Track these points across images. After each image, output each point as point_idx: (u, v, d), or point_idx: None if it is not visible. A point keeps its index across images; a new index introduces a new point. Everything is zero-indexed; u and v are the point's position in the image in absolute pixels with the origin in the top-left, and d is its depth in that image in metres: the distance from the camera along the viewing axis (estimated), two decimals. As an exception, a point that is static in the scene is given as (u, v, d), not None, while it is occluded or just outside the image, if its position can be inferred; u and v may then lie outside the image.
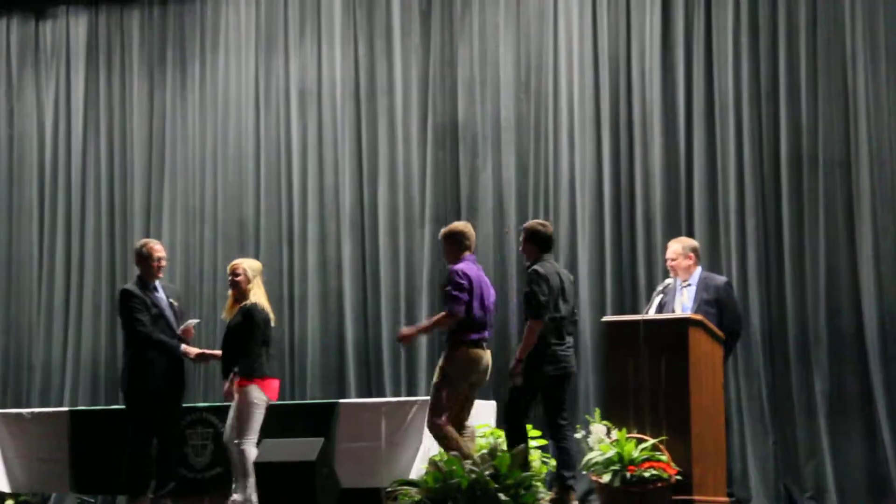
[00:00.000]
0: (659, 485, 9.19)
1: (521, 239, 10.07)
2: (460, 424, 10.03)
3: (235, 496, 10.41)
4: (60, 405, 13.90)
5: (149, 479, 10.73)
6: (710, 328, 9.79)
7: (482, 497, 9.59)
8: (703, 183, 12.34)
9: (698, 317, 9.79)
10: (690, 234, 11.69)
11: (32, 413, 12.44)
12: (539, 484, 10.17)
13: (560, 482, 9.78)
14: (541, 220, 10.37)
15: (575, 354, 10.13)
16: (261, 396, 10.41)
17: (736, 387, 11.84)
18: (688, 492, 9.28)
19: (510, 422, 9.88)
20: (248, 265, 10.70)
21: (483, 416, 11.31)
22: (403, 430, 10.82)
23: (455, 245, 10.03)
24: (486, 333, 10.01)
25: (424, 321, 10.20)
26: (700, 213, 12.29)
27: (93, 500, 12.95)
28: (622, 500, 9.08)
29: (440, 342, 12.98)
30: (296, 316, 13.66)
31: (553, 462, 10.86)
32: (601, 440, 9.49)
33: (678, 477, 9.24)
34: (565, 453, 9.81)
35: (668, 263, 10.69)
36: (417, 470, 10.46)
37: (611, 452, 9.34)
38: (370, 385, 13.21)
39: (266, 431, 10.48)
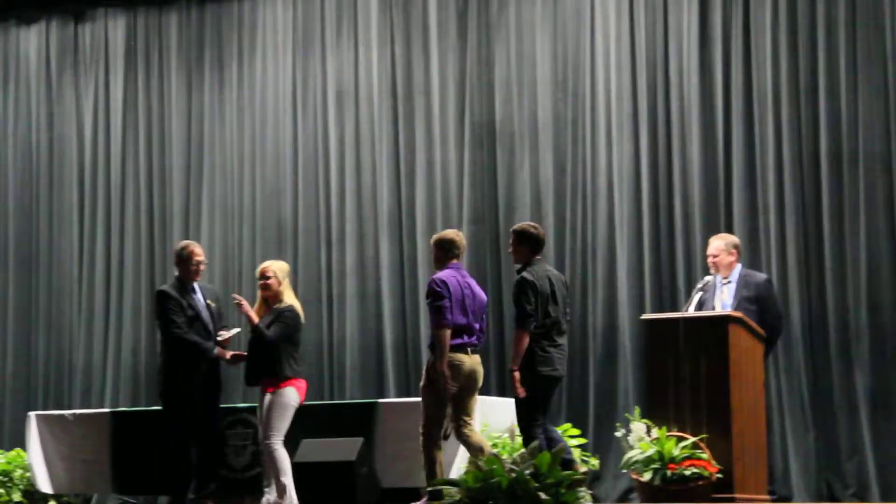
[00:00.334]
0: (700, 483, 9.16)
1: (510, 241, 10.01)
2: (460, 430, 9.94)
3: (269, 497, 10.42)
4: (101, 406, 13.96)
5: (189, 480, 10.77)
6: (751, 325, 9.75)
7: (522, 496, 9.57)
8: (741, 180, 12.29)
9: (738, 314, 9.75)
10: (729, 232, 11.64)
11: (74, 414, 12.49)
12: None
13: None
14: (531, 223, 10.34)
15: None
16: (295, 397, 10.44)
17: (777, 384, 11.79)
18: (729, 490, 9.24)
19: (524, 432, 9.82)
20: (278, 267, 10.70)
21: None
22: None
23: (444, 252, 10.02)
24: (473, 338, 9.93)
25: (437, 358, 9.99)
26: (739, 211, 12.24)
27: (134, 501, 13.00)
28: (663, 498, 9.05)
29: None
30: (334, 316, 13.68)
31: (594, 460, 10.86)
32: (641, 438, 9.46)
33: (719, 475, 9.20)
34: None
35: (710, 260, 10.65)
36: (457, 469, 10.44)
37: (651, 451, 9.32)
38: (409, 385, 13.21)
39: (306, 431, 10.51)
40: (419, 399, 10.87)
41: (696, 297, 10.29)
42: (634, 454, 9.44)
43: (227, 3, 14.57)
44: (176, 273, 10.99)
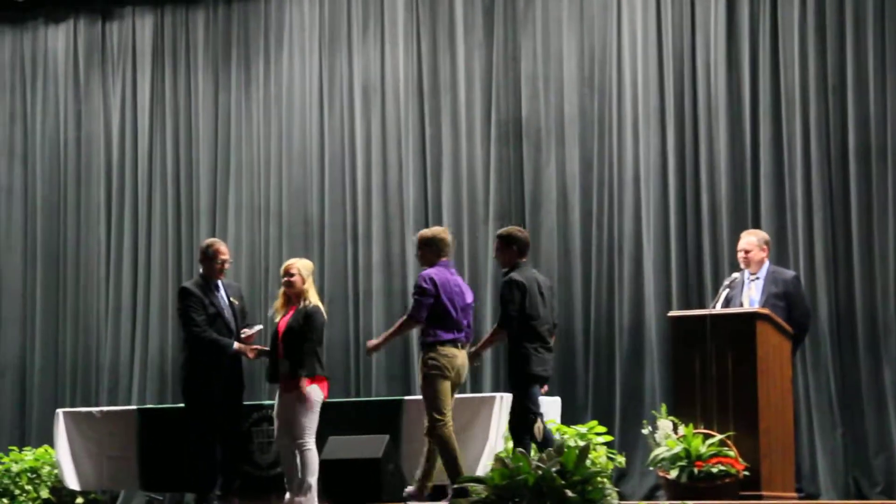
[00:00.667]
0: (727, 480, 9.14)
1: (495, 245, 10.17)
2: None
3: (299, 497, 10.43)
4: (128, 404, 13.99)
5: (213, 477, 10.79)
6: (778, 322, 9.72)
7: (549, 493, 9.55)
8: (769, 177, 12.25)
9: (766, 311, 9.72)
10: (757, 228, 11.59)
11: (101, 412, 12.51)
12: (606, 480, 10.13)
13: None
14: (517, 227, 10.56)
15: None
16: (321, 395, 10.48)
17: (804, 380, 11.74)
18: (756, 487, 9.22)
19: (516, 434, 9.94)
20: (302, 265, 10.72)
21: (549, 412, 11.28)
22: (469, 426, 10.79)
23: (435, 251, 10.23)
24: (462, 335, 10.18)
25: (390, 329, 10.36)
26: (766, 208, 12.20)
27: (161, 498, 13.03)
28: (689, 495, 9.02)
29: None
30: (360, 313, 13.68)
31: (620, 458, 10.83)
32: (668, 436, 9.44)
33: (746, 472, 9.18)
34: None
35: (742, 255, 10.63)
36: (484, 466, 10.44)
37: (678, 448, 9.30)
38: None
39: (332, 428, 10.53)
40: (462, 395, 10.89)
41: (723, 294, 10.26)
42: (661, 451, 9.41)
43: (254, 1, 14.58)
44: (200, 270, 11.03)
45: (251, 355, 10.90)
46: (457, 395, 11.18)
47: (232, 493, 10.88)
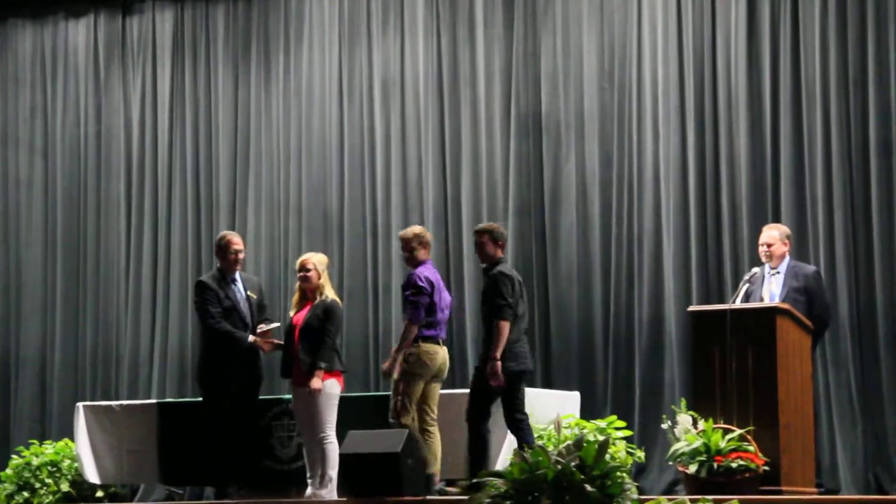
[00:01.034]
0: (746, 475, 9.12)
1: (476, 241, 10.32)
2: (425, 419, 10.41)
3: (320, 490, 10.47)
4: (148, 397, 14.02)
5: (228, 470, 10.83)
6: (798, 317, 9.70)
7: (568, 488, 9.55)
8: (789, 173, 12.23)
9: (786, 306, 9.70)
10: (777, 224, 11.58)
11: (121, 405, 12.54)
12: (625, 475, 10.12)
13: None
14: (493, 222, 10.83)
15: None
16: (338, 388, 10.55)
17: (824, 376, 11.72)
18: (776, 482, 9.20)
19: (472, 423, 10.06)
20: (318, 259, 10.78)
21: (568, 406, 11.28)
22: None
23: (422, 249, 10.49)
24: (443, 332, 10.50)
25: (397, 345, 10.43)
26: (787, 203, 12.18)
27: (181, 492, 13.05)
28: (709, 490, 9.00)
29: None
30: (380, 307, 13.69)
31: (640, 453, 10.82)
32: (687, 430, 9.43)
33: (766, 467, 9.17)
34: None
35: (764, 249, 10.64)
36: (503, 461, 10.44)
37: (697, 443, 9.28)
38: (454, 376, 13.17)
39: (352, 422, 10.55)
40: (463, 391, 10.94)
41: (742, 289, 10.25)
42: (680, 446, 9.40)
43: (274, -4, 14.63)
44: (217, 264, 11.08)
45: (266, 349, 10.94)
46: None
47: (242, 487, 10.93)
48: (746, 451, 9.17)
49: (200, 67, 14.85)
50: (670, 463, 9.78)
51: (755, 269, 10.54)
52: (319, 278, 10.70)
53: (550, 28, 13.31)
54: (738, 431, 9.24)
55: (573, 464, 9.49)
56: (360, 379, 13.36)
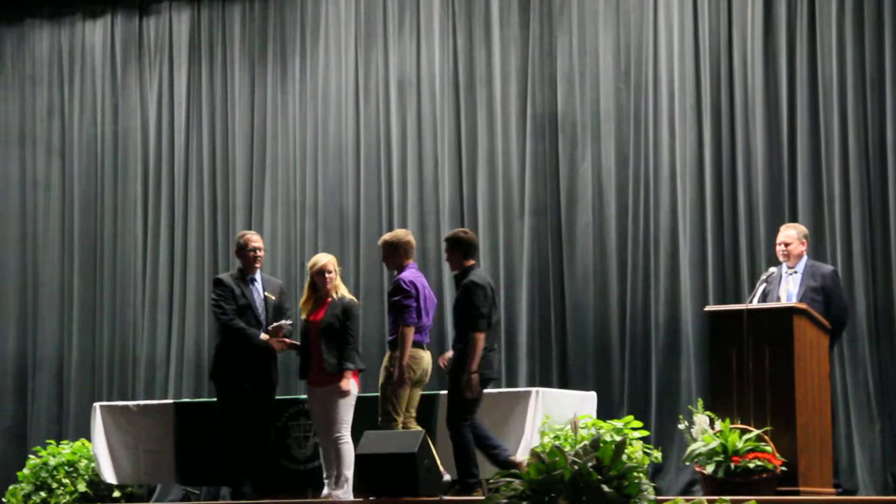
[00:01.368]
0: (764, 476, 9.10)
1: (446, 249, 10.36)
2: (408, 423, 10.47)
3: (336, 491, 10.47)
4: (165, 397, 14.04)
5: (245, 469, 10.84)
6: (816, 317, 9.67)
7: (585, 488, 9.53)
8: (806, 172, 12.20)
9: (803, 305, 9.68)
10: (794, 223, 11.55)
11: (138, 405, 12.57)
12: (642, 475, 10.11)
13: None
14: (462, 228, 10.91)
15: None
16: (356, 388, 10.58)
17: (842, 376, 11.69)
18: (793, 483, 9.18)
19: (454, 428, 10.10)
20: (333, 260, 10.79)
21: (585, 407, 11.27)
22: (505, 421, 10.80)
23: (399, 253, 10.47)
24: (426, 337, 10.51)
25: (400, 354, 10.31)
26: (804, 202, 12.15)
27: (197, 492, 13.06)
28: (726, 490, 8.98)
29: (537, 333, 12.99)
30: (396, 307, 13.69)
31: (656, 453, 10.80)
32: (704, 431, 9.41)
33: (783, 468, 9.14)
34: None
35: (781, 248, 10.63)
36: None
37: (714, 443, 9.26)
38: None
39: (367, 423, 10.56)
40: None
41: (759, 289, 10.23)
42: (697, 447, 9.38)
43: (290, -3, 14.64)
44: (238, 263, 11.12)
45: (279, 347, 10.94)
46: (492, 390, 11.23)
47: (249, 487, 10.95)
48: (764, 451, 9.15)
49: (217, 68, 14.86)
50: (687, 463, 9.75)
51: (772, 269, 10.52)
52: (334, 278, 10.74)
53: (566, 28, 13.29)
54: (756, 432, 9.21)
55: (590, 464, 9.48)
56: (376, 379, 13.31)
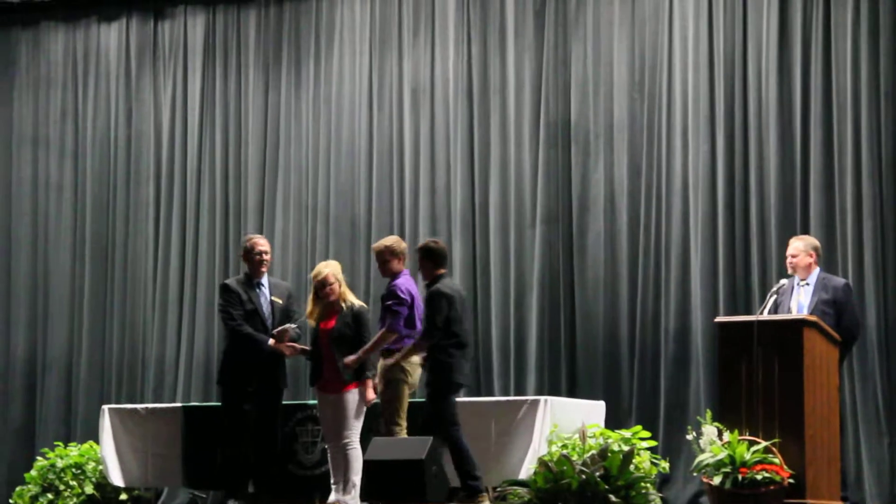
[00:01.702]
0: (771, 488, 9.08)
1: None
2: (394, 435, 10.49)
3: (344, 497, 10.47)
4: (173, 401, 14.05)
5: (243, 474, 10.84)
6: (826, 329, 9.65)
7: (592, 498, 9.54)
8: (819, 184, 12.18)
9: (813, 318, 9.66)
10: (806, 235, 11.52)
11: (146, 409, 12.56)
12: (649, 485, 10.10)
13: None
14: (433, 238, 10.98)
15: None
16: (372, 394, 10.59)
17: (851, 389, 11.67)
18: (801, 495, 9.16)
19: (446, 436, 10.13)
20: (333, 270, 10.76)
21: (593, 416, 11.25)
22: (512, 429, 10.78)
23: (399, 259, 10.55)
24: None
25: (368, 344, 10.47)
26: (816, 215, 12.13)
27: (204, 496, 13.07)
28: (733, 502, 8.98)
29: (547, 342, 12.97)
30: (406, 314, 13.68)
31: (664, 463, 10.78)
32: (712, 442, 9.39)
33: (791, 480, 9.12)
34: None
35: (789, 260, 10.61)
36: (527, 470, 10.41)
37: (722, 454, 9.25)
38: (479, 384, 13.19)
39: (375, 430, 10.57)
40: (488, 399, 10.93)
41: (770, 301, 10.21)
42: (705, 458, 9.37)
43: (306, 2, 14.62)
44: (245, 268, 11.11)
45: (287, 353, 10.95)
46: (500, 398, 11.21)
47: (261, 493, 10.95)
48: (771, 463, 9.13)
49: (231, 72, 14.88)
50: (695, 474, 9.74)
51: (783, 281, 10.50)
52: (340, 287, 10.72)
53: (581, 37, 13.29)
54: (764, 443, 9.20)
55: (598, 473, 9.49)
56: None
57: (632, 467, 9.91)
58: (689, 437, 9.74)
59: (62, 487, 12.45)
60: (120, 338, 14.88)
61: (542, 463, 9.97)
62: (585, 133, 13.17)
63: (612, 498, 9.48)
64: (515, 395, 12.60)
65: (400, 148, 13.96)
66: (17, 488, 12.81)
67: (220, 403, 11.50)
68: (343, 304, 10.66)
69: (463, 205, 13.58)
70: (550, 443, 10.53)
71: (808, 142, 12.28)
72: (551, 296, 13.08)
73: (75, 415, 14.82)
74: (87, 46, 15.53)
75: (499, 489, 10.36)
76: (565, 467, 9.60)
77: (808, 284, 10.51)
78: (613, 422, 11.68)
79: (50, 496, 12.44)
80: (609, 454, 9.84)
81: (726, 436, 9.34)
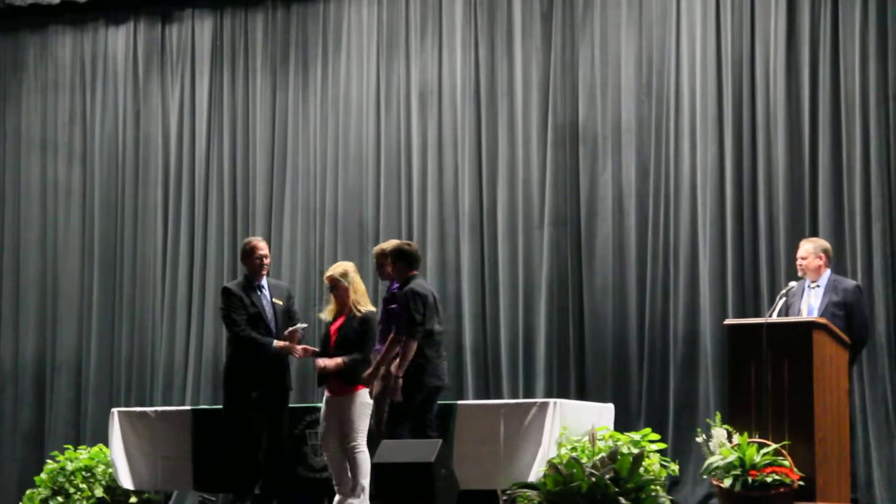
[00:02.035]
0: (781, 490, 9.09)
1: (388, 262, 10.50)
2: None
3: (352, 500, 10.47)
4: (183, 404, 14.06)
5: (250, 477, 10.85)
6: (835, 332, 9.65)
7: (602, 500, 9.55)
8: (827, 186, 12.17)
9: (822, 320, 9.66)
10: (814, 237, 11.52)
11: (156, 411, 12.58)
12: (659, 488, 10.10)
13: None
14: (405, 241, 11.01)
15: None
16: (370, 399, 10.59)
17: (860, 391, 11.66)
18: (811, 497, 9.16)
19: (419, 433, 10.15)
20: (342, 270, 10.77)
21: (602, 419, 11.25)
22: (522, 432, 10.78)
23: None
24: None
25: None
26: (824, 217, 12.12)
27: (214, 499, 13.08)
28: (743, 504, 9.00)
29: (555, 344, 12.98)
30: (416, 316, 13.68)
31: (673, 466, 10.79)
32: (722, 444, 9.40)
33: (801, 482, 9.13)
34: None
35: (799, 262, 10.62)
36: (536, 473, 10.42)
37: (732, 457, 9.25)
38: (488, 387, 13.20)
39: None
40: (497, 401, 10.92)
41: (779, 303, 10.21)
42: (715, 460, 9.37)
43: (313, 5, 14.62)
44: (245, 270, 11.11)
45: (299, 354, 10.95)
46: (509, 401, 11.21)
47: (270, 496, 10.95)
48: (781, 465, 9.14)
49: (239, 75, 14.89)
50: (704, 476, 9.74)
51: (792, 283, 10.50)
52: (349, 288, 10.71)
53: (588, 39, 13.29)
54: (774, 446, 9.20)
55: (608, 476, 9.49)
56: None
57: (642, 470, 9.92)
58: (699, 439, 9.74)
59: (72, 490, 12.46)
60: (129, 340, 14.90)
61: (551, 466, 9.97)
62: (593, 135, 13.17)
63: (623, 500, 9.49)
64: (524, 397, 12.60)
65: (408, 151, 13.97)
66: (28, 491, 12.82)
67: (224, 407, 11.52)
68: (355, 307, 10.67)
69: (471, 207, 13.58)
70: (560, 445, 10.53)
71: (817, 143, 12.27)
72: (559, 298, 13.08)
73: (84, 417, 14.84)
74: (94, 50, 15.54)
75: (508, 492, 10.37)
76: (575, 470, 9.61)
77: (818, 286, 10.51)
78: (622, 424, 11.68)
79: (60, 499, 12.45)
80: (619, 457, 9.84)
81: (736, 438, 9.34)
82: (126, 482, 12.31)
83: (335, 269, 10.85)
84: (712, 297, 12.42)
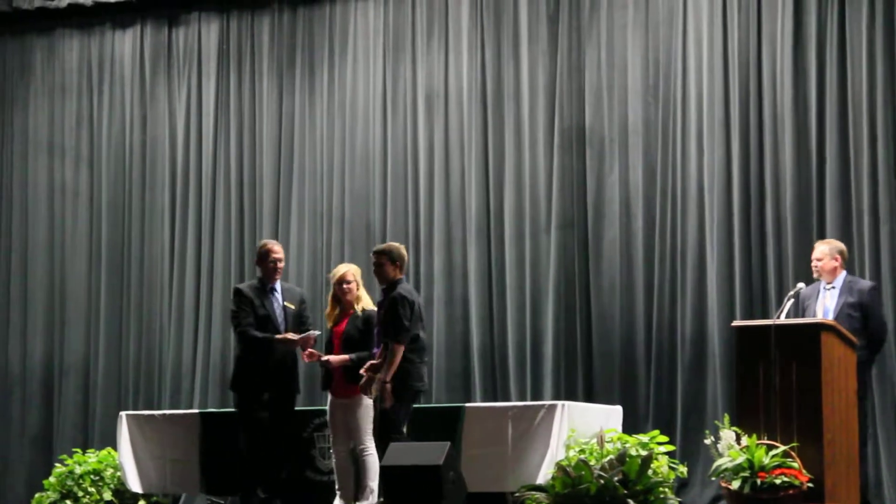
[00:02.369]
0: (790, 492, 9.08)
1: (373, 262, 10.48)
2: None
3: (359, 502, 10.49)
4: (191, 407, 14.07)
5: (256, 478, 10.86)
6: (844, 333, 9.64)
7: (611, 503, 9.54)
8: (835, 187, 12.17)
9: (831, 321, 9.66)
10: (822, 239, 11.51)
11: (164, 415, 12.59)
12: (668, 490, 10.10)
13: None
14: (395, 243, 10.88)
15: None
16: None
17: (869, 393, 11.64)
18: (820, 499, 9.15)
19: (385, 443, 10.12)
20: (355, 271, 10.82)
21: (611, 421, 11.25)
22: (530, 434, 10.79)
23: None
24: None
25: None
26: (832, 218, 12.12)
27: (222, 502, 13.08)
28: (752, 506, 8.99)
29: (563, 347, 12.98)
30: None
31: (682, 468, 10.79)
32: (731, 446, 9.39)
33: (810, 484, 9.12)
34: None
35: (814, 264, 10.62)
36: (545, 475, 10.42)
37: (741, 459, 9.24)
38: (495, 389, 13.20)
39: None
40: (505, 404, 10.91)
41: (787, 305, 10.20)
42: (723, 462, 9.36)
43: (319, 7, 14.63)
44: (258, 273, 11.13)
45: (305, 358, 10.96)
46: (517, 403, 11.19)
47: (274, 496, 10.96)
48: (790, 467, 9.13)
49: (245, 78, 14.90)
50: (713, 478, 9.73)
51: (800, 285, 10.49)
52: (358, 289, 10.76)
53: (595, 41, 13.29)
54: (782, 447, 9.19)
55: (616, 478, 9.48)
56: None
57: (650, 472, 9.91)
58: (707, 441, 9.73)
59: (81, 494, 12.47)
60: (137, 343, 14.91)
61: (559, 468, 9.97)
62: (600, 138, 13.18)
63: (631, 503, 9.48)
64: (532, 399, 12.61)
65: (414, 154, 13.97)
66: (36, 495, 12.83)
67: (234, 409, 11.52)
68: (356, 307, 10.69)
69: (478, 210, 13.58)
70: (568, 448, 10.53)
71: (824, 144, 12.27)
72: (567, 300, 13.08)
73: (93, 421, 14.86)
74: (101, 53, 15.56)
75: (517, 494, 10.36)
76: (583, 472, 9.60)
77: (833, 288, 10.51)
78: (630, 426, 11.68)
79: (69, 503, 12.46)
80: (627, 459, 9.83)
81: (744, 440, 9.34)
82: (134, 485, 12.33)
83: (349, 267, 10.87)
84: (720, 298, 12.42)
